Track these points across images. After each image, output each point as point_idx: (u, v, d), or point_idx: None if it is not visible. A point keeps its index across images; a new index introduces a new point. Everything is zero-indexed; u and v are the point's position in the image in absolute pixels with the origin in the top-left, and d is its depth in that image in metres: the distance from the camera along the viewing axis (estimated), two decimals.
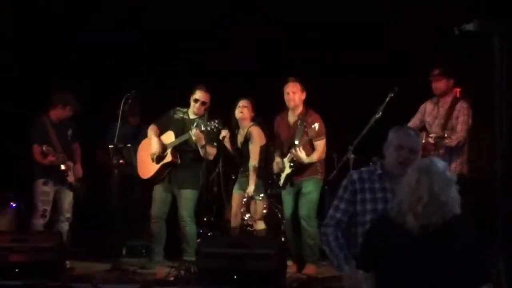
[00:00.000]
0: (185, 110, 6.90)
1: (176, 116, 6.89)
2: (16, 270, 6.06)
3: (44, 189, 7.07)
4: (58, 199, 7.14)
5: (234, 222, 7.15)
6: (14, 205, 7.57)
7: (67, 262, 6.73)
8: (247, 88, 7.79)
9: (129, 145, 6.85)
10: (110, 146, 6.79)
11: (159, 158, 6.78)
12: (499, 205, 4.48)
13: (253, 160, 6.96)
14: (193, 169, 6.76)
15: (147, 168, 6.86)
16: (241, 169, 7.14)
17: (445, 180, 3.27)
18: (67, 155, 7.14)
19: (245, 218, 6.91)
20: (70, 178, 7.12)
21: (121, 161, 6.72)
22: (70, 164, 7.15)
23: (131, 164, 6.69)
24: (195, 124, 6.67)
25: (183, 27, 8.66)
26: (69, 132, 7.24)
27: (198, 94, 6.79)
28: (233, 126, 7.16)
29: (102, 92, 8.34)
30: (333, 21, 8.38)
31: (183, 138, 6.69)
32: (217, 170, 8.31)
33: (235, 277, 5.76)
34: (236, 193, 7.18)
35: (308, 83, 7.33)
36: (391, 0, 8.12)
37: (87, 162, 7.99)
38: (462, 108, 6.36)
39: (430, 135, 6.29)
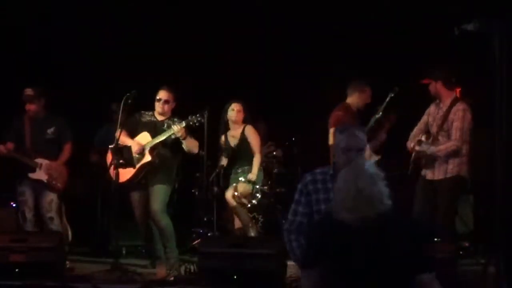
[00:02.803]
0: (150, 113, 6.78)
1: (144, 120, 6.74)
2: (16, 270, 6.06)
3: (19, 189, 7.04)
4: (38, 198, 7.03)
5: (237, 223, 7.16)
6: (14, 205, 7.56)
7: (67, 262, 6.73)
8: (246, 89, 7.82)
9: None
10: (110, 146, 6.75)
11: (136, 160, 6.63)
12: (499, 205, 4.49)
13: (258, 153, 7.11)
14: (166, 165, 6.66)
15: (123, 171, 6.64)
16: (236, 166, 7.16)
17: (370, 176, 3.44)
18: (41, 152, 7.02)
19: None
20: (36, 176, 6.97)
21: (121, 161, 6.68)
22: (40, 161, 6.99)
23: (132, 164, 6.65)
24: (166, 125, 6.59)
25: (183, 27, 8.67)
26: (50, 130, 7.08)
27: (160, 94, 6.70)
28: (221, 129, 7.14)
29: (99, 93, 8.35)
30: (333, 21, 8.39)
31: (163, 135, 6.56)
32: (217, 170, 8.32)
33: (235, 277, 5.76)
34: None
35: (307, 84, 7.36)
36: (391, 0, 8.12)
37: (85, 162, 8.01)
38: (457, 111, 6.29)
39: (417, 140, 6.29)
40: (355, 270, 3.40)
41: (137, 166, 6.60)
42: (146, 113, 6.79)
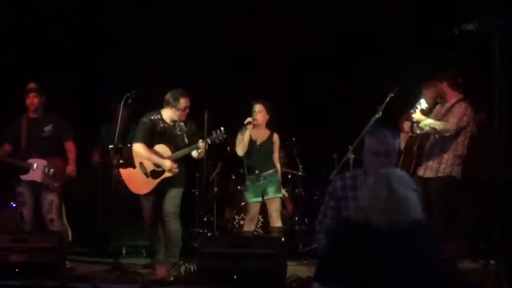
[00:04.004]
0: (158, 117, 6.62)
1: (157, 128, 6.61)
2: (16, 270, 6.07)
3: (18, 190, 7.04)
4: (38, 199, 7.03)
5: (249, 227, 7.19)
6: (14, 205, 7.56)
7: (67, 262, 6.73)
8: (246, 88, 7.81)
9: (129, 145, 6.83)
10: (110, 146, 6.76)
11: (155, 172, 6.59)
12: (499, 205, 4.48)
13: (279, 164, 7.27)
14: (180, 170, 6.64)
15: (142, 183, 6.61)
16: (256, 172, 7.13)
17: (403, 181, 3.37)
18: (38, 151, 7.00)
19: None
20: (29, 177, 6.96)
21: (121, 161, 6.67)
22: (33, 161, 6.98)
23: (131, 164, 6.65)
24: (178, 129, 6.59)
25: (184, 27, 8.67)
26: (47, 128, 7.05)
27: (185, 102, 6.56)
28: (241, 129, 7.11)
29: (101, 93, 8.34)
30: (333, 21, 8.39)
31: (186, 151, 6.55)
32: (217, 170, 8.33)
33: (235, 277, 5.76)
34: (253, 201, 7.16)
35: (307, 84, 7.33)
36: (391, 0, 8.13)
37: (86, 162, 8.00)
38: (458, 107, 6.37)
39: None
40: (374, 276, 3.28)
41: (159, 179, 6.57)
42: (155, 118, 6.62)
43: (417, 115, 6.25)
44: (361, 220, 3.36)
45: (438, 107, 6.58)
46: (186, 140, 6.66)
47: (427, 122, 6.22)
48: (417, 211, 3.35)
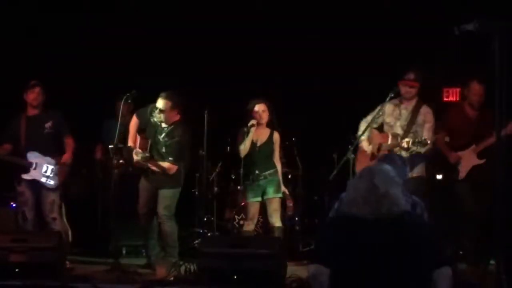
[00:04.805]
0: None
1: (152, 119, 6.65)
2: (16, 270, 6.07)
3: (19, 189, 7.02)
4: (39, 199, 7.01)
5: (249, 227, 7.14)
6: (14, 205, 7.56)
7: (67, 262, 6.72)
8: (245, 88, 7.80)
9: (129, 144, 6.81)
10: (110, 146, 6.74)
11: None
12: (499, 205, 4.48)
13: (280, 164, 7.19)
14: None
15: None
16: (256, 172, 7.05)
17: (388, 177, 3.48)
18: (38, 148, 6.97)
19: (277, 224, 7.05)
20: (30, 176, 6.93)
21: (121, 161, 6.67)
22: (34, 160, 6.95)
23: (131, 164, 6.65)
24: (164, 135, 6.58)
25: (184, 26, 8.67)
26: (48, 125, 7.02)
27: (157, 102, 6.54)
28: (243, 131, 7.06)
29: (103, 91, 8.34)
30: (333, 21, 8.39)
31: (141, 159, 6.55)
32: (217, 170, 8.32)
33: (235, 277, 5.76)
34: (253, 200, 7.08)
35: (308, 84, 7.31)
36: (391, 0, 8.13)
37: (86, 162, 8.01)
38: (427, 113, 6.39)
39: (405, 140, 6.23)
40: (363, 266, 3.37)
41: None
42: (155, 110, 6.63)
43: (410, 144, 6.21)
44: (345, 213, 3.46)
45: (389, 107, 6.55)
46: (163, 149, 6.61)
47: (414, 148, 6.22)
48: (400, 205, 3.43)
